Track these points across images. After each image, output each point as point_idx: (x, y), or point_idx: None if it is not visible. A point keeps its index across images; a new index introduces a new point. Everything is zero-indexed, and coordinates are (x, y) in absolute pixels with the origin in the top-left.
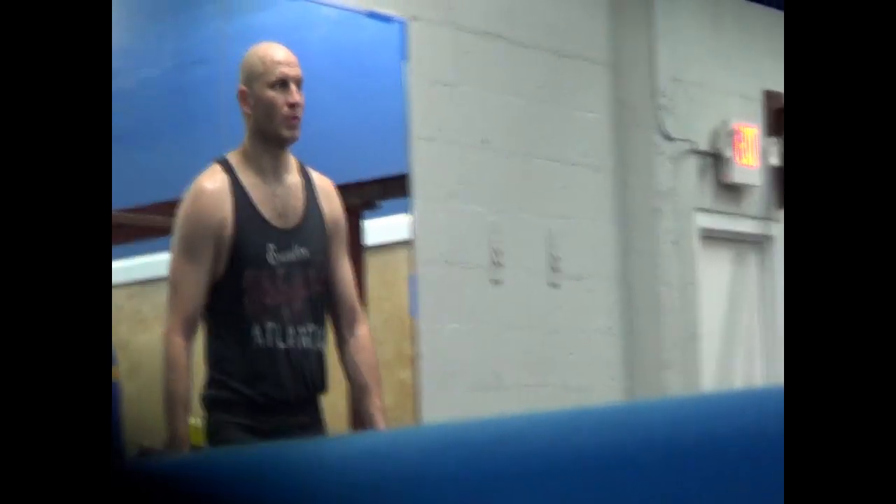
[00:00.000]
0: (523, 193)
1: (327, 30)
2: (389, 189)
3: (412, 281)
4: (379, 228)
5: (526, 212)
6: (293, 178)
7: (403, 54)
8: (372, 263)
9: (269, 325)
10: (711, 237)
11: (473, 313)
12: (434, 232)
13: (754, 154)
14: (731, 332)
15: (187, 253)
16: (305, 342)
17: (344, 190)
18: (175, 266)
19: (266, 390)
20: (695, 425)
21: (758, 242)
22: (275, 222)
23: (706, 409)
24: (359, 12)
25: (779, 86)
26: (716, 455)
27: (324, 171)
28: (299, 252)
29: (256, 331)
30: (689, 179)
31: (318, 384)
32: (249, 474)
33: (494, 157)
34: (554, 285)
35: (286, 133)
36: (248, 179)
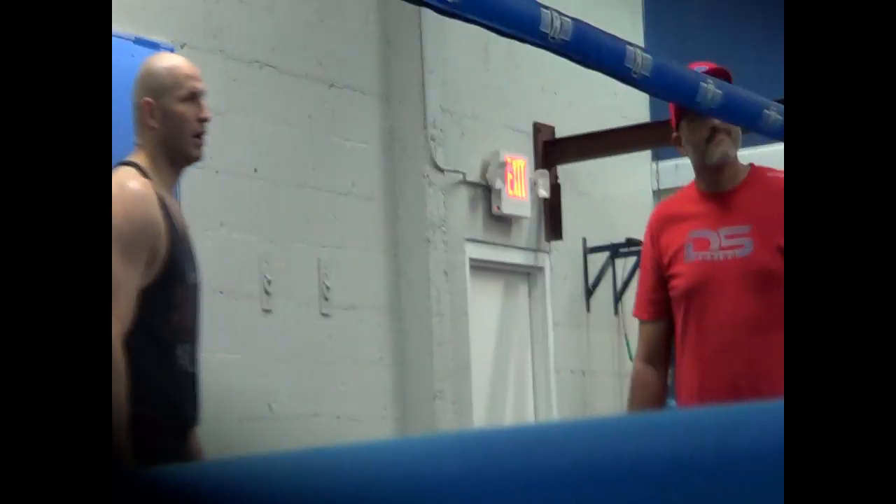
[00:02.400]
0: (294, 223)
1: None
2: None
3: None
4: None
5: (297, 241)
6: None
7: None
8: None
9: (187, 346)
10: (482, 267)
11: (244, 343)
12: (203, 261)
13: (524, 186)
14: (501, 363)
15: (128, 256)
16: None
17: None
18: (115, 269)
19: (181, 413)
20: (691, 440)
21: (527, 273)
22: (185, 239)
23: (706, 423)
24: (126, 38)
25: (548, 119)
26: (721, 469)
27: None
28: (196, 274)
29: (179, 351)
30: (460, 210)
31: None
32: (247, 483)
33: (265, 186)
34: (325, 315)
35: (194, 151)
36: (159, 190)
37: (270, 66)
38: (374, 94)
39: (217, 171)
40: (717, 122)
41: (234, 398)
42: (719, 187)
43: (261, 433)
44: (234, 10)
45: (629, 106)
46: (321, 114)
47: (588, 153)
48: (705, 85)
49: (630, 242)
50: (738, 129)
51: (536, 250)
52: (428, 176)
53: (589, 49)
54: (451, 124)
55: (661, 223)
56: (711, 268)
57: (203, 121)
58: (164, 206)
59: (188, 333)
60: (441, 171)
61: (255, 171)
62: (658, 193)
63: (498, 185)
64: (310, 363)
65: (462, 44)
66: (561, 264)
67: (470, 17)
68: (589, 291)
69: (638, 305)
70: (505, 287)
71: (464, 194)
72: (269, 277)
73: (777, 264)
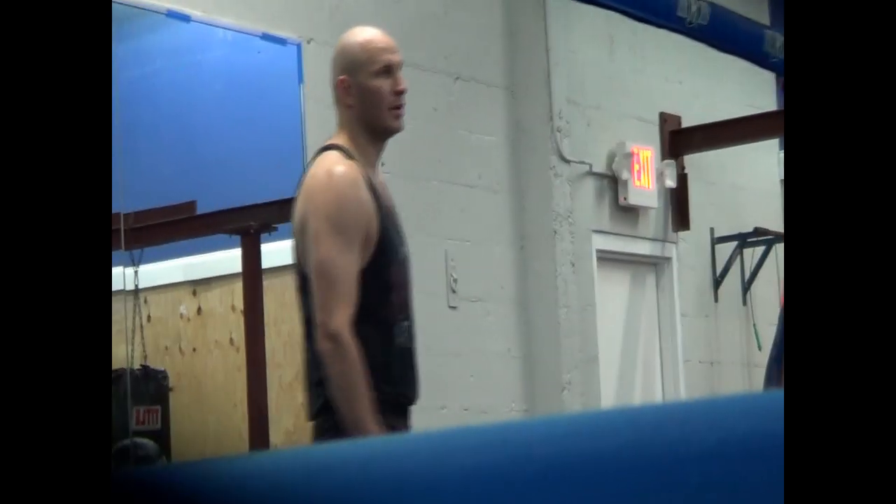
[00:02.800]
0: (421, 216)
1: (222, 52)
2: (287, 211)
3: None
4: (276, 251)
5: (424, 234)
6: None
7: (300, 77)
8: (269, 286)
9: (405, 323)
10: (609, 259)
11: None
12: None
13: (650, 176)
14: (629, 354)
15: (345, 242)
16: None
17: (241, 212)
18: (334, 255)
19: (405, 391)
20: (692, 430)
21: (654, 264)
22: (392, 214)
23: (703, 413)
24: (253, 35)
25: (674, 108)
26: (717, 458)
27: (221, 193)
28: (405, 248)
29: (398, 329)
30: (587, 201)
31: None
32: (246, 482)
33: (391, 180)
34: (453, 308)
35: (394, 123)
36: (364, 169)
37: None
38: (499, 87)
39: None
40: None
41: None
42: None
43: None
44: (361, 5)
45: (756, 94)
46: (447, 107)
47: (715, 142)
48: None
49: (758, 232)
50: None
51: (664, 241)
52: (554, 167)
53: (727, 33)
54: (577, 115)
55: None
56: None
57: (399, 93)
58: (370, 186)
59: (405, 310)
60: (567, 162)
61: (382, 164)
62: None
63: (624, 175)
64: (438, 355)
65: (587, 35)
66: (688, 255)
67: (606, 1)
68: (717, 282)
69: None
70: (632, 278)
71: (590, 185)
72: None
73: None
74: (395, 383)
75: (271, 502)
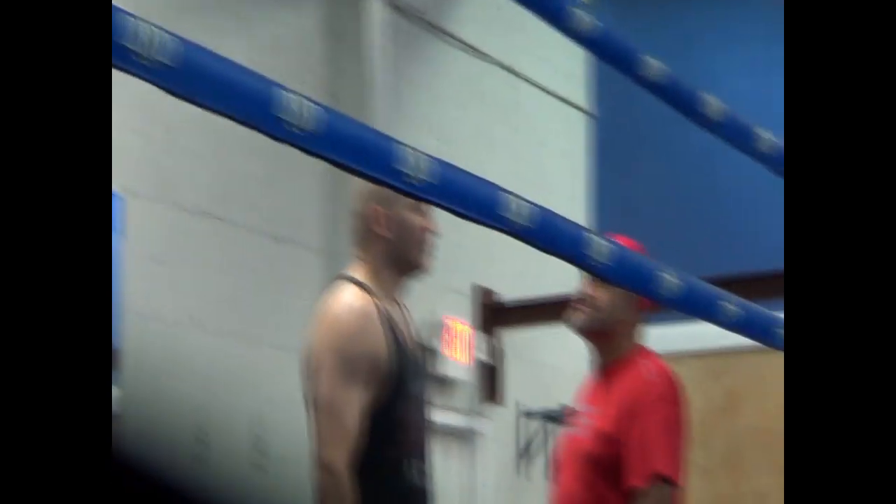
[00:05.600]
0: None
1: None
2: None
3: None
4: None
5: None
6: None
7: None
8: None
9: (415, 461)
10: None
11: None
12: None
13: (463, 349)
14: None
15: (349, 376)
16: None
17: None
18: (336, 390)
19: None
20: None
21: (464, 436)
22: (410, 351)
23: None
24: None
25: (490, 283)
26: None
27: None
28: (421, 384)
29: (407, 466)
30: None
31: None
32: None
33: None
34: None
35: (425, 261)
36: (382, 304)
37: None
38: (316, 250)
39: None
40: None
41: None
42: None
43: None
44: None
45: (573, 275)
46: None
47: (529, 320)
48: (663, 275)
49: (565, 410)
50: (609, 298)
51: (474, 413)
52: None
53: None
54: None
55: None
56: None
57: (430, 231)
58: (388, 320)
59: (417, 449)
60: None
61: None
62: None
63: (437, 346)
64: None
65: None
66: (497, 429)
67: (433, 200)
68: (522, 455)
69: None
70: (441, 450)
71: None
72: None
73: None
74: None
75: None
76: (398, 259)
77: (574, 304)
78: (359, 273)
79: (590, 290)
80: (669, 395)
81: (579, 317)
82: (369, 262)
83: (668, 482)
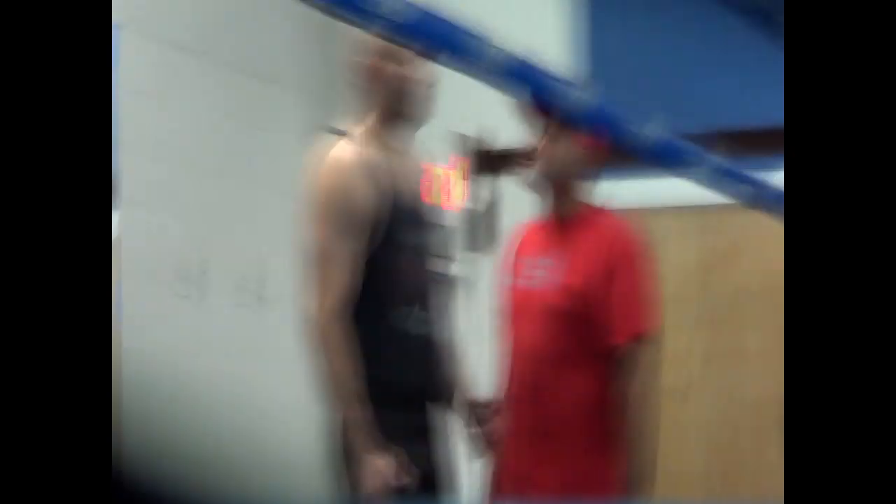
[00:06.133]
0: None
1: None
2: None
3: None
4: None
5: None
6: (411, 156)
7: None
8: None
9: (411, 309)
10: None
11: None
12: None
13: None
14: None
15: (335, 226)
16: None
17: None
18: (323, 242)
19: (409, 379)
20: None
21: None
22: (406, 201)
23: None
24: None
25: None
26: None
27: None
28: (422, 235)
29: (399, 314)
30: None
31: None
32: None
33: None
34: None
35: (422, 112)
36: (377, 156)
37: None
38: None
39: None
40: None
41: None
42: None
43: None
44: None
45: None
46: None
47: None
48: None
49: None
50: (563, 151)
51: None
52: None
53: None
54: None
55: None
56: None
57: (426, 82)
58: (378, 172)
59: (412, 297)
60: None
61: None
62: None
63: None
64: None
65: None
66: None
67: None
68: None
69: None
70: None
71: None
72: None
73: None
74: (390, 370)
75: None
76: (396, 111)
77: (525, 157)
78: (352, 124)
79: (542, 144)
80: (645, 253)
81: (533, 171)
82: (367, 113)
83: (650, 342)
